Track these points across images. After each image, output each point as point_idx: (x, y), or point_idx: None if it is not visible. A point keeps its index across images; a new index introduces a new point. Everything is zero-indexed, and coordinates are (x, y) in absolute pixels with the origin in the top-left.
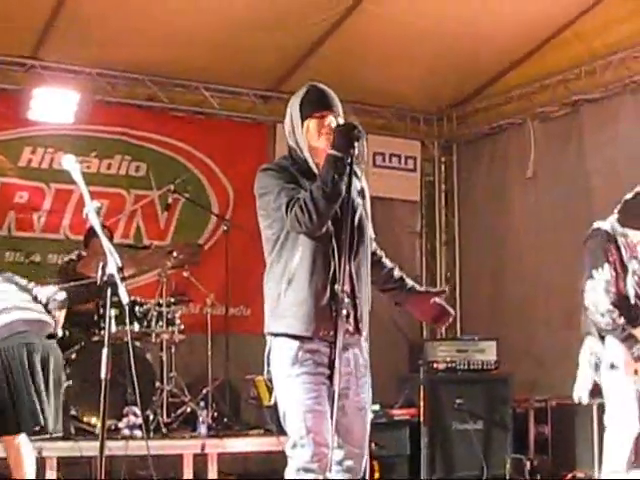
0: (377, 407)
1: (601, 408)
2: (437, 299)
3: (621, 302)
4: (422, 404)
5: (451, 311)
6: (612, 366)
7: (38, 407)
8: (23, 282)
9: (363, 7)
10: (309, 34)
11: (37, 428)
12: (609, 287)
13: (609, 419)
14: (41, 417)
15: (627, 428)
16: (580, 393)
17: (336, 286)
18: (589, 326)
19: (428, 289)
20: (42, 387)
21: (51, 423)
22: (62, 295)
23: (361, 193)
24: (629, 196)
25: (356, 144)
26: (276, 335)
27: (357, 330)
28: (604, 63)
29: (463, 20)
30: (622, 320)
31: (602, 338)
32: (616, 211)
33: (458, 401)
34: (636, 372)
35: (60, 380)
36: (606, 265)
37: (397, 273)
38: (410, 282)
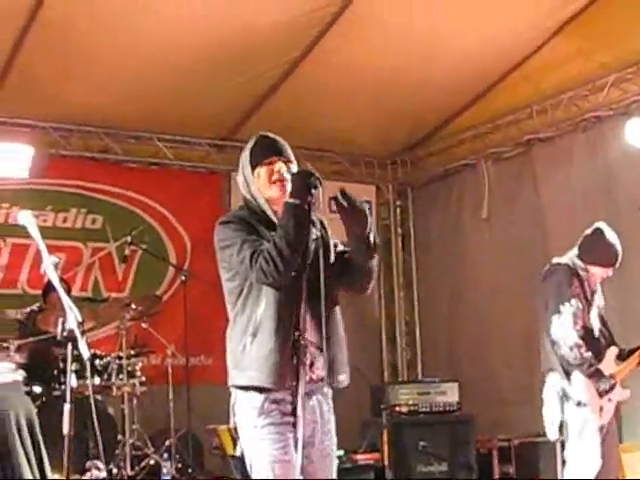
0: (341, 452)
1: (564, 445)
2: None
3: (587, 336)
4: (386, 448)
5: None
6: (579, 403)
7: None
8: None
9: (315, 55)
10: (262, 82)
11: None
12: (577, 321)
13: (571, 455)
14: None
15: (590, 463)
16: (549, 430)
17: (296, 334)
18: (551, 362)
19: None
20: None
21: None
22: None
23: (321, 239)
24: (588, 232)
25: (314, 191)
26: (241, 388)
27: (330, 376)
28: (554, 102)
29: (414, 66)
30: (589, 354)
31: (567, 374)
32: (576, 247)
33: (422, 443)
34: (601, 409)
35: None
36: (573, 299)
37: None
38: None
